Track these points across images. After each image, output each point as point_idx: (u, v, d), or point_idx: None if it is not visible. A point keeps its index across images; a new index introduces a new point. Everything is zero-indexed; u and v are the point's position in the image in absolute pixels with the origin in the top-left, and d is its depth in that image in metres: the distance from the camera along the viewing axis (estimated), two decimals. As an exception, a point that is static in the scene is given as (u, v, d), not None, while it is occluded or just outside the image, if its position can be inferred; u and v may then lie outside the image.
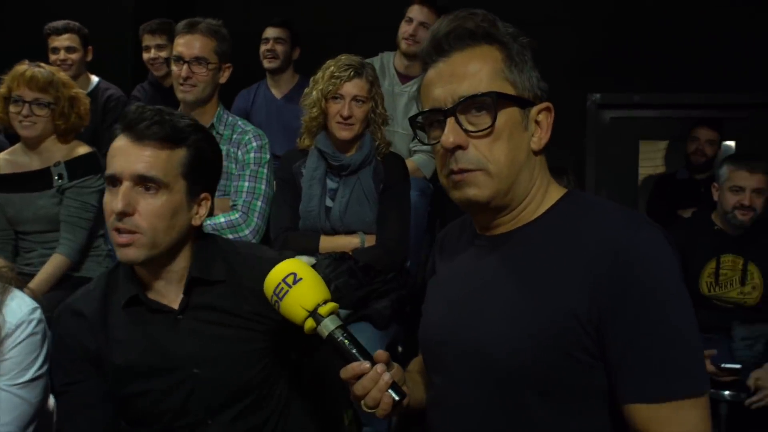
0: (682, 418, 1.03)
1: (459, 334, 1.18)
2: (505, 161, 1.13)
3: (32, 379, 1.49)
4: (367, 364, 1.16)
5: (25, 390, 1.48)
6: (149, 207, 1.40)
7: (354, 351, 1.18)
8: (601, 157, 4.92)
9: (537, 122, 1.18)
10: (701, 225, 3.10)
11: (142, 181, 1.40)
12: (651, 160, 5.19)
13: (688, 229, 3.16)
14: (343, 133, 2.47)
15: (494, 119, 1.12)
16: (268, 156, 2.64)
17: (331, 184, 2.53)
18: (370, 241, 2.49)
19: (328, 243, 2.47)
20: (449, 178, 1.17)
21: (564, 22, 4.67)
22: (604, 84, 4.80)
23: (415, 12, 3.35)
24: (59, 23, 3.71)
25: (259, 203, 2.56)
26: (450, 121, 1.13)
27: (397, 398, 1.15)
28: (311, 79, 2.56)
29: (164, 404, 1.47)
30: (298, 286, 1.22)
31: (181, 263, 1.49)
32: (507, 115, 1.13)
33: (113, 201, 1.39)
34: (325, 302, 1.22)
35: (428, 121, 1.20)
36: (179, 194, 1.44)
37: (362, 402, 1.17)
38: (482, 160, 1.13)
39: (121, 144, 1.42)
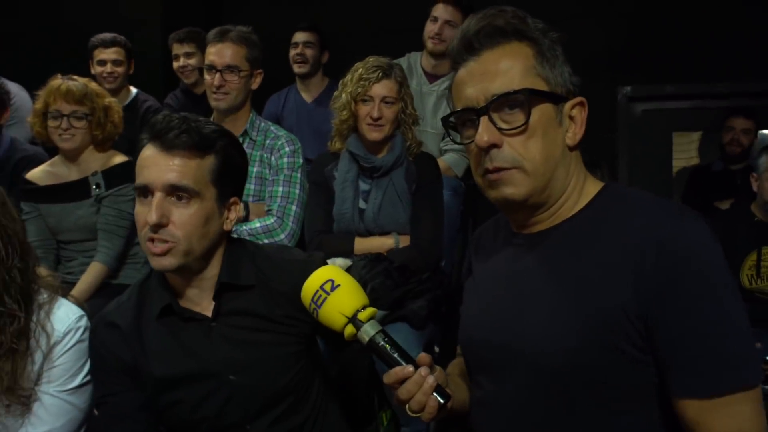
0: (735, 411, 1.01)
1: (501, 333, 1.17)
2: (540, 158, 1.12)
3: (81, 385, 1.52)
4: (410, 368, 1.15)
5: (75, 396, 1.51)
6: (183, 217, 1.39)
7: (396, 355, 1.17)
8: (634, 150, 4.83)
9: (571, 117, 1.17)
10: (740, 216, 3.04)
11: (174, 191, 1.39)
12: (685, 152, 5.09)
13: (726, 221, 3.10)
14: (374, 135, 2.47)
15: (528, 116, 1.11)
16: (301, 160, 2.65)
17: (363, 186, 2.53)
18: (405, 241, 2.48)
19: (362, 245, 2.47)
20: (485, 177, 1.16)
21: (591, 15, 4.60)
22: (635, 76, 4.72)
23: (440, 11, 3.33)
24: (107, 36, 3.68)
25: (293, 207, 2.58)
26: (483, 120, 1.12)
27: (442, 401, 1.15)
28: (340, 82, 2.57)
29: (201, 412, 1.47)
30: (336, 293, 1.21)
31: (213, 270, 1.49)
32: (540, 112, 1.12)
33: (146, 212, 1.39)
34: (364, 307, 1.21)
35: (461, 120, 1.19)
36: (210, 201, 1.43)
37: (407, 406, 1.16)
38: (517, 158, 1.12)
39: (150, 154, 1.42)
